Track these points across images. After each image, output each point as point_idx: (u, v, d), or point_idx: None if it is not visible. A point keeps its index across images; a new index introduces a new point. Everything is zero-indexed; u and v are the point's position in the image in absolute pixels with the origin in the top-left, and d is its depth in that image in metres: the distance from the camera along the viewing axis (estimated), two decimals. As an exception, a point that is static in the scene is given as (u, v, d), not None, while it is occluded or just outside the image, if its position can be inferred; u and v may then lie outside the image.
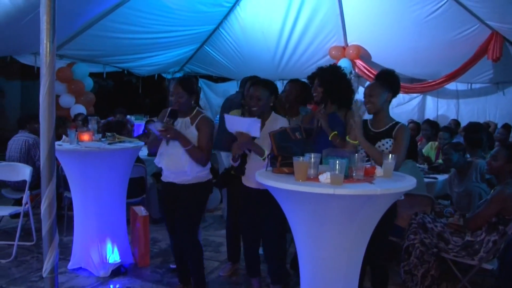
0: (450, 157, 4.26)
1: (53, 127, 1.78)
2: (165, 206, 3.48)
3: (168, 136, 3.11)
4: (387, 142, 2.90)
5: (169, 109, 3.19)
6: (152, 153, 3.40)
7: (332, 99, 3.20)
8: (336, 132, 3.01)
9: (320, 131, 3.05)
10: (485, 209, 3.29)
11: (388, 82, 2.99)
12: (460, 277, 3.39)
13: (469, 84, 8.88)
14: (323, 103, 3.08)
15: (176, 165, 3.23)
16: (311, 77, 3.30)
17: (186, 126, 3.25)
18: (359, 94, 9.21)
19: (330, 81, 3.21)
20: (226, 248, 4.18)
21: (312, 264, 2.43)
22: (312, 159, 2.29)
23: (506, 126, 7.39)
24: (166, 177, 3.37)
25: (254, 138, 3.00)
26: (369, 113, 3.01)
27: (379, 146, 2.90)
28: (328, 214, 2.22)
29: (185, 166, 3.21)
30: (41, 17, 1.72)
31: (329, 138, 2.99)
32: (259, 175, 2.43)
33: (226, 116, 3.07)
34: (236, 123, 2.99)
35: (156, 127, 3.08)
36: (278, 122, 3.11)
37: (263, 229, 3.22)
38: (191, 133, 3.22)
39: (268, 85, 3.23)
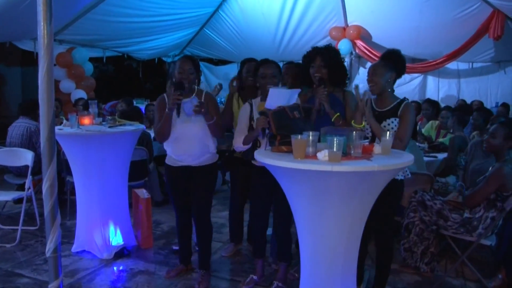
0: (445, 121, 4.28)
1: (52, 108, 1.79)
2: (175, 190, 3.46)
3: (203, 110, 3.08)
4: (392, 122, 2.90)
5: (175, 83, 3.17)
6: (163, 141, 3.34)
7: (333, 80, 3.17)
8: (338, 113, 2.99)
9: (322, 113, 3.01)
10: (483, 186, 3.31)
11: (392, 61, 2.96)
12: (459, 253, 3.43)
13: (471, 64, 8.85)
14: (323, 85, 3.03)
15: (198, 145, 3.26)
16: (309, 57, 3.22)
17: (193, 106, 3.21)
18: (360, 74, 9.24)
19: (335, 62, 3.16)
20: (228, 229, 4.23)
21: (312, 241, 2.46)
22: (311, 137, 2.30)
23: (505, 104, 7.40)
24: (180, 161, 3.35)
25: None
26: (372, 93, 3.00)
27: (385, 126, 2.90)
28: (327, 192, 2.24)
29: (209, 143, 3.29)
30: (37, -1, 1.72)
31: (332, 120, 2.96)
32: (258, 154, 2.45)
33: (271, 89, 2.97)
34: (279, 96, 2.93)
35: (193, 102, 3.09)
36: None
37: (277, 207, 3.24)
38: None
39: (277, 65, 3.30)
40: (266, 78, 3.17)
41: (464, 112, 5.58)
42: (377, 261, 3.09)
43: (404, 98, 3.01)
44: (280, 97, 2.92)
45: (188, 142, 3.26)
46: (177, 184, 3.44)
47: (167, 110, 3.15)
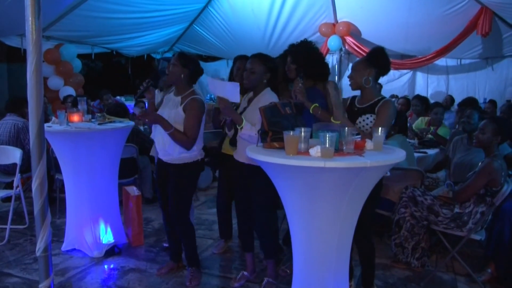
0: (471, 121, 4.28)
1: (41, 105, 1.76)
2: (158, 183, 3.50)
3: (147, 120, 3.10)
4: (367, 118, 2.87)
5: (148, 80, 3.19)
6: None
7: (307, 74, 3.18)
8: (316, 104, 2.97)
9: (303, 106, 3.03)
10: (473, 181, 3.34)
11: (374, 58, 2.92)
12: (450, 249, 3.46)
13: (459, 60, 8.92)
14: (300, 79, 3.04)
15: (161, 143, 3.24)
16: (283, 56, 3.28)
17: (175, 105, 3.22)
18: (349, 71, 9.27)
19: (302, 57, 3.19)
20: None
21: (305, 238, 2.45)
22: (303, 133, 2.29)
23: (492, 101, 7.48)
24: (157, 153, 3.41)
25: (234, 104, 3.05)
26: (352, 89, 3.00)
27: (359, 122, 2.89)
28: (320, 188, 2.23)
29: (166, 145, 3.21)
30: (25, -7, 1.69)
31: (310, 111, 2.95)
32: (250, 151, 2.44)
33: (208, 78, 3.05)
34: (218, 86, 2.96)
35: (135, 110, 3.09)
36: (270, 97, 3.06)
37: (253, 203, 3.24)
38: (178, 113, 3.17)
39: (266, 60, 3.16)
40: (246, 72, 3.15)
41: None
42: (360, 256, 3.07)
43: (392, 95, 3.01)
44: (217, 88, 2.96)
45: (158, 136, 3.25)
46: (158, 178, 3.46)
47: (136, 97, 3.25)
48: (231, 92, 2.88)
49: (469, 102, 6.29)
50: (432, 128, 5.52)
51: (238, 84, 2.91)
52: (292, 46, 3.29)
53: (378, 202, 3.10)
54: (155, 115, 3.10)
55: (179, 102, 3.21)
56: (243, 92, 3.51)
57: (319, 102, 3.03)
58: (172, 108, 3.21)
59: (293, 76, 3.18)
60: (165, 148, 3.22)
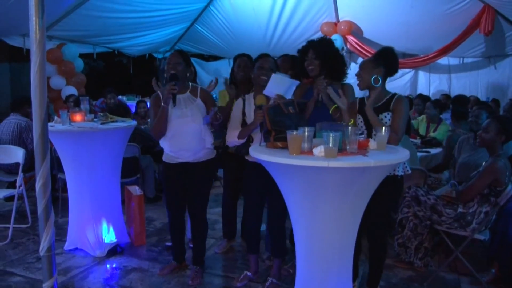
0: (479, 121, 4.25)
1: (45, 105, 1.76)
2: (171, 187, 3.42)
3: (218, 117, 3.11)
4: (385, 116, 2.87)
5: (169, 74, 3.14)
6: (160, 137, 3.27)
7: (328, 72, 3.15)
8: (336, 105, 2.96)
9: (320, 104, 3.00)
10: (477, 181, 3.33)
11: (382, 58, 2.93)
12: (453, 248, 3.45)
13: (461, 59, 8.90)
14: (323, 75, 3.02)
15: (195, 140, 3.23)
16: (303, 51, 3.22)
17: (191, 100, 3.23)
18: (351, 70, 9.26)
19: (327, 54, 3.15)
20: (221, 226, 4.22)
21: (308, 237, 2.45)
22: (306, 132, 2.29)
23: (495, 100, 7.47)
24: (177, 158, 3.30)
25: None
26: (360, 89, 2.99)
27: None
28: (323, 187, 2.23)
29: (205, 137, 3.25)
30: (29, -7, 1.68)
31: (330, 112, 2.94)
32: (253, 150, 2.43)
33: (274, 75, 2.99)
34: (279, 83, 2.95)
35: (210, 114, 3.11)
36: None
37: (271, 203, 3.24)
38: (199, 105, 3.23)
39: (274, 60, 3.30)
40: (263, 70, 3.15)
41: (460, 104, 5.54)
42: (371, 257, 3.08)
43: (395, 93, 2.99)
44: (280, 84, 2.94)
45: (185, 138, 3.22)
46: (174, 181, 3.39)
47: (162, 103, 3.10)
48: (290, 88, 2.95)
49: (459, 100, 6.28)
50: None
51: (298, 82, 3.02)
52: (313, 42, 3.22)
53: (393, 205, 3.10)
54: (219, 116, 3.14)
55: (191, 98, 3.25)
56: (245, 90, 3.51)
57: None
58: (188, 104, 3.20)
59: (316, 72, 3.11)
60: (204, 141, 3.25)
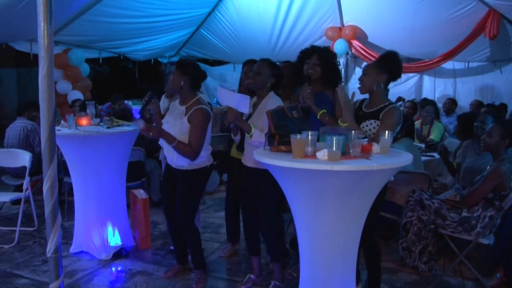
0: (484, 126, 4.22)
1: (52, 109, 1.79)
2: (165, 188, 3.53)
3: (151, 134, 3.07)
4: (371, 124, 2.85)
5: (148, 93, 3.18)
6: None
7: (326, 79, 3.18)
8: (324, 110, 2.97)
9: (307, 110, 3.03)
10: (481, 185, 3.32)
11: (386, 63, 2.91)
12: (458, 252, 3.44)
13: (466, 63, 8.86)
14: (308, 83, 3.05)
15: (170, 151, 3.26)
16: (306, 53, 3.23)
17: (179, 115, 3.22)
18: (356, 74, 9.28)
19: (329, 62, 3.18)
20: (225, 230, 4.23)
21: (311, 241, 2.46)
22: (310, 136, 2.30)
23: (502, 104, 7.44)
24: (165, 158, 3.44)
25: (242, 114, 3.11)
26: (361, 93, 2.99)
27: (363, 127, 2.87)
28: (326, 191, 2.24)
29: (175, 155, 3.24)
30: (37, -1, 1.72)
31: (318, 117, 2.96)
32: (257, 154, 2.45)
33: (218, 87, 3.08)
34: (227, 96, 3.00)
35: (139, 125, 3.11)
36: (275, 101, 3.10)
37: (260, 208, 3.25)
38: (183, 123, 3.18)
39: (273, 66, 3.23)
40: (252, 73, 3.19)
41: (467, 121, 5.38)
42: (367, 260, 3.07)
43: (399, 98, 2.99)
44: (228, 97, 2.99)
45: (165, 144, 3.26)
46: (166, 183, 3.48)
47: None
48: (241, 103, 2.92)
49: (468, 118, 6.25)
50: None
51: (248, 96, 2.96)
52: (319, 48, 3.22)
53: (381, 205, 3.09)
54: (158, 130, 3.09)
55: (183, 112, 3.21)
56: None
57: (327, 107, 3.04)
58: (177, 118, 3.22)
59: (315, 77, 3.13)
60: (174, 157, 3.26)
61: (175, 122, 3.21)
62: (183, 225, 3.36)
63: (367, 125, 2.87)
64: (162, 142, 3.32)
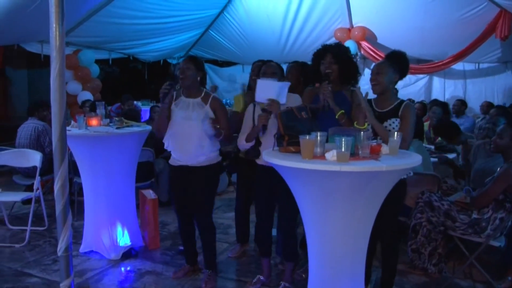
0: (495, 128, 4.20)
1: (64, 109, 1.80)
2: (175, 190, 3.49)
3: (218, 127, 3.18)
4: (393, 122, 2.87)
5: (169, 83, 3.23)
6: (161, 135, 3.39)
7: (344, 78, 3.16)
8: (343, 111, 2.97)
9: (327, 108, 3.01)
10: (491, 187, 3.30)
11: (397, 63, 2.94)
12: (468, 255, 3.42)
13: (477, 64, 8.80)
14: (328, 81, 3.03)
15: (193, 144, 3.26)
16: (319, 55, 3.22)
17: (199, 106, 3.27)
18: (365, 75, 9.25)
19: (345, 59, 3.16)
20: (234, 230, 4.24)
21: (320, 241, 2.46)
22: (319, 137, 2.31)
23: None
24: (177, 160, 3.38)
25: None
26: (374, 93, 2.98)
27: (386, 126, 2.87)
28: (335, 192, 2.24)
29: (204, 144, 3.27)
30: (49, 0, 1.73)
31: (336, 117, 2.96)
32: (266, 154, 2.46)
33: (259, 80, 3.03)
34: (268, 87, 2.97)
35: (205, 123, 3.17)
36: (294, 99, 3.13)
37: (280, 206, 3.25)
38: (206, 112, 3.26)
39: (279, 65, 3.33)
40: (266, 75, 3.18)
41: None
42: (383, 262, 3.08)
43: (408, 99, 2.99)
44: (268, 89, 2.95)
45: (185, 139, 3.27)
46: (177, 184, 3.45)
47: (160, 103, 3.23)
48: (282, 91, 2.94)
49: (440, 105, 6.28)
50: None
51: (288, 83, 2.98)
52: (331, 46, 3.21)
53: (401, 208, 3.10)
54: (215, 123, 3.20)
55: (200, 103, 3.28)
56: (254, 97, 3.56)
57: (345, 108, 3.02)
58: (193, 110, 3.25)
59: (335, 76, 3.11)
60: (203, 148, 3.27)
61: (197, 113, 3.24)
62: (205, 222, 3.42)
63: (389, 124, 2.88)
64: (174, 139, 3.32)
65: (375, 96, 3.00)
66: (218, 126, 3.17)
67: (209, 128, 3.17)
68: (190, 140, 3.26)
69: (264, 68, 3.26)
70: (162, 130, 3.35)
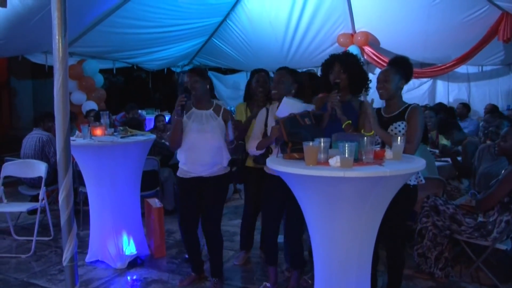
0: (499, 131, 4.19)
1: (67, 119, 1.82)
2: (185, 202, 3.45)
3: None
4: (399, 125, 2.87)
5: (183, 88, 3.26)
6: (176, 148, 3.39)
7: (353, 87, 3.15)
8: (350, 121, 2.97)
9: (334, 118, 3.01)
10: (496, 189, 3.29)
11: (402, 68, 2.96)
12: (474, 258, 3.40)
13: (480, 67, 8.79)
14: (337, 90, 3.03)
15: (211, 156, 3.29)
16: (327, 64, 3.19)
17: (213, 117, 3.31)
18: (372, 81, 9.22)
19: (353, 67, 3.15)
20: (239, 237, 4.23)
21: (325, 247, 2.46)
22: (322, 143, 2.31)
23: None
24: (191, 172, 3.36)
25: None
26: (381, 99, 2.99)
27: (391, 130, 2.88)
28: (339, 197, 2.24)
29: (223, 154, 3.32)
30: (52, 13, 1.75)
31: (342, 127, 2.95)
32: (270, 162, 2.46)
33: (285, 98, 3.03)
34: (292, 107, 2.96)
35: (229, 127, 3.19)
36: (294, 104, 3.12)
37: (288, 214, 3.25)
38: (220, 124, 3.31)
39: (292, 72, 3.30)
40: (273, 83, 3.23)
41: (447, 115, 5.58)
42: (389, 267, 3.07)
43: (414, 103, 2.99)
44: (292, 108, 2.93)
45: (201, 152, 3.28)
46: (188, 196, 3.43)
47: (175, 116, 3.23)
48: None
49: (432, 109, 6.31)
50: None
51: (313, 106, 3.01)
52: (339, 55, 3.21)
53: (409, 214, 3.09)
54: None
55: (213, 115, 3.32)
56: (262, 104, 3.57)
57: (352, 119, 3.02)
58: (207, 122, 3.29)
59: (344, 85, 3.11)
60: (222, 158, 3.32)
61: (207, 125, 3.28)
62: (213, 231, 3.42)
63: (395, 127, 2.89)
64: (192, 152, 3.32)
65: (382, 103, 3.01)
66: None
67: (231, 133, 3.18)
68: (206, 152, 3.28)
69: (274, 75, 3.29)
70: (177, 143, 3.34)
